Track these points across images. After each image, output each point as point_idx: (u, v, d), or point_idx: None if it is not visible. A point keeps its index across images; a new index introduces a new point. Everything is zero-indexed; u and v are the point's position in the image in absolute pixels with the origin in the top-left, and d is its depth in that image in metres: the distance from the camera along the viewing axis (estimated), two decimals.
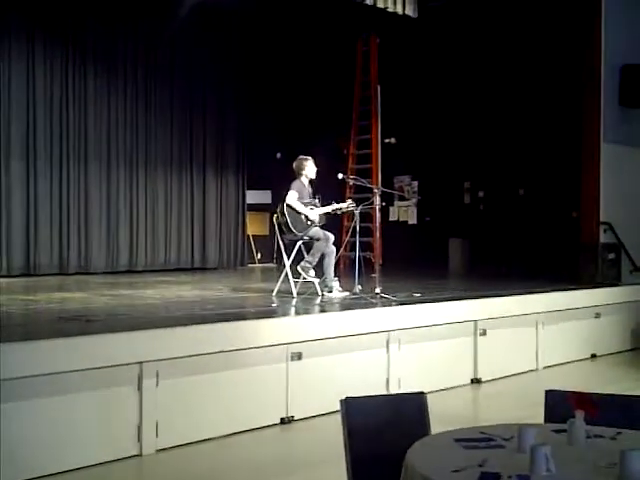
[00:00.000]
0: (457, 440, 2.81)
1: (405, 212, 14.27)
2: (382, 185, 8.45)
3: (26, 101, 11.37)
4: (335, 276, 8.05)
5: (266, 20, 12.66)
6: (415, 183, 14.16)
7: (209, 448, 5.44)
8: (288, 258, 7.98)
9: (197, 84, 13.36)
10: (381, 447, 3.18)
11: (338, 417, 3.28)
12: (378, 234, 9.21)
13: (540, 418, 3.40)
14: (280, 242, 8.11)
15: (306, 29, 12.88)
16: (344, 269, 11.08)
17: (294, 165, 8.16)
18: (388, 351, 6.90)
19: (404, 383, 6.81)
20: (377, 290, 7.61)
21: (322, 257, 7.92)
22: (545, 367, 8.51)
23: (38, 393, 4.73)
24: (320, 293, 7.90)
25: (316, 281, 7.96)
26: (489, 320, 7.88)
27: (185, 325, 5.75)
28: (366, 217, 10.01)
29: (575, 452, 2.69)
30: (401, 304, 7.31)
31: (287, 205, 7.85)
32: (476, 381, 7.76)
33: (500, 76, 12.22)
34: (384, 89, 9.71)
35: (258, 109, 14.02)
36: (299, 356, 6.16)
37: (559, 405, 3.29)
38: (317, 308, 7.32)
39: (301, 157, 8.21)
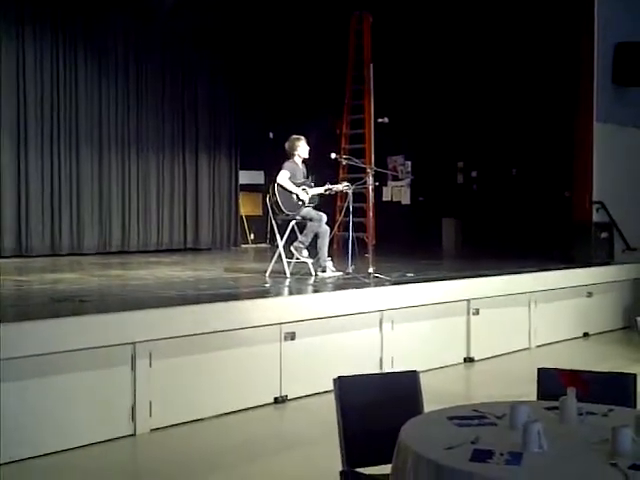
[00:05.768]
0: (450, 418, 2.82)
1: (398, 192, 14.25)
2: (375, 165, 8.44)
3: (16, 83, 11.23)
4: (328, 256, 8.05)
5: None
6: (408, 163, 14.14)
7: (203, 428, 5.46)
8: (281, 238, 7.96)
9: (189, 64, 13.24)
10: (374, 425, 3.19)
11: (332, 396, 3.28)
12: (371, 214, 9.16)
13: (533, 396, 3.42)
14: (273, 222, 8.08)
15: (298, 8, 12.77)
16: (337, 249, 11.07)
17: (286, 145, 8.08)
18: (381, 330, 6.92)
19: (397, 362, 6.83)
20: (370, 270, 7.60)
21: (315, 237, 7.90)
22: (538, 346, 8.56)
23: (31, 374, 4.73)
24: (313, 273, 7.89)
25: (309, 261, 7.95)
26: (482, 299, 7.90)
27: (178, 305, 5.75)
28: (359, 197, 9.97)
29: (567, 429, 2.70)
30: (394, 284, 7.32)
31: (278, 184, 7.81)
32: (469, 360, 7.79)
33: (493, 55, 12.16)
34: (377, 68, 9.75)
35: (250, 89, 13.93)
36: (292, 336, 6.17)
37: (551, 383, 3.31)
38: (310, 288, 7.32)
39: (293, 137, 8.14)
